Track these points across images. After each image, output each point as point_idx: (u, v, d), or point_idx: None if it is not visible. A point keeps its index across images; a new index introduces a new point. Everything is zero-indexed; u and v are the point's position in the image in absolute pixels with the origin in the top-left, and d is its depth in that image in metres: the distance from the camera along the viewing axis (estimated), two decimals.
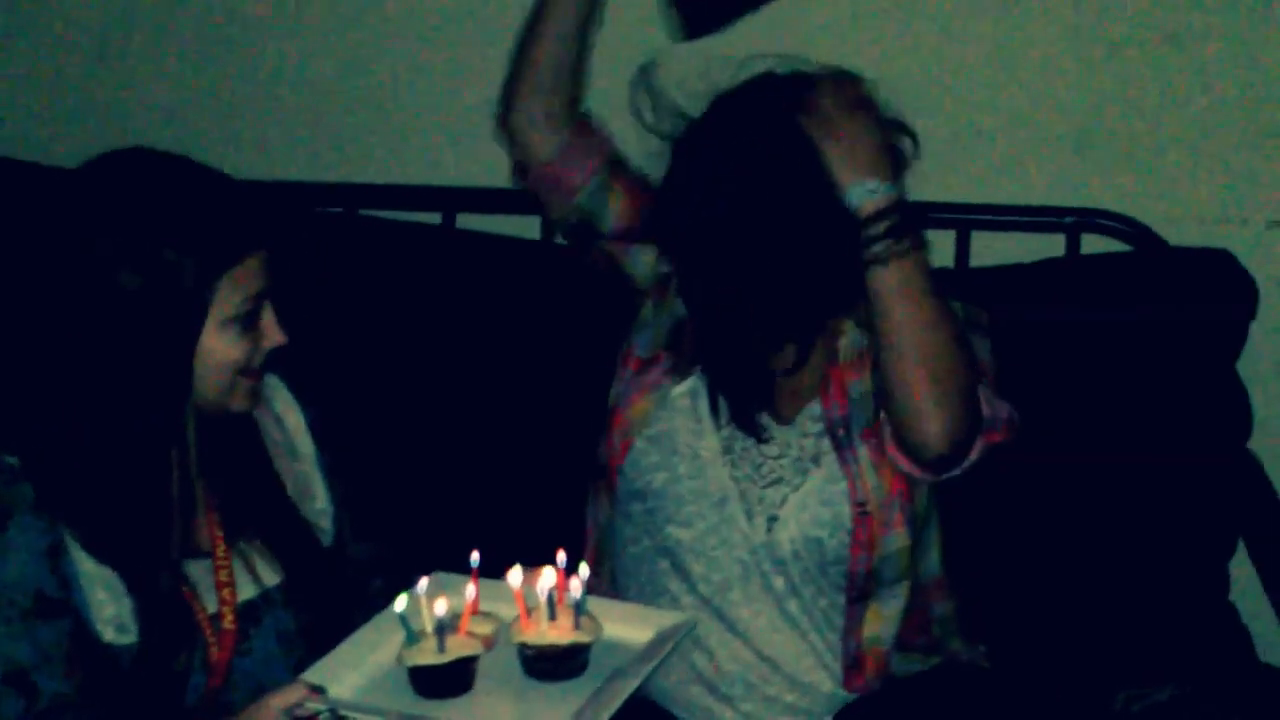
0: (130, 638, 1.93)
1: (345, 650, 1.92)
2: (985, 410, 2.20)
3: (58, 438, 1.95)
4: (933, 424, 2.15)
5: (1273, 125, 2.85)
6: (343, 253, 2.85)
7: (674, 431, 2.27)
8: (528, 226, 2.84)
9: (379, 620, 1.95)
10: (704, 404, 2.27)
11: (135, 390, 1.95)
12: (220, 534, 2.05)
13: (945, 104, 2.84)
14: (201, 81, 3.09)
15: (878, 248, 2.12)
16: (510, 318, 2.66)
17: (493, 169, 2.64)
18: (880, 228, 2.12)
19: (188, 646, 1.98)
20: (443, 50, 3.00)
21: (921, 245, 2.15)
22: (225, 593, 2.02)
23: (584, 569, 1.90)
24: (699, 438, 2.26)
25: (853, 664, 2.23)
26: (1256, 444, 2.71)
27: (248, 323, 1.97)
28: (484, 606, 1.92)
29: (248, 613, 2.03)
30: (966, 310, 2.27)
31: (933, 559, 2.27)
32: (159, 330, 1.93)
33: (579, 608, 1.88)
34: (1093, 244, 2.83)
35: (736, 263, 2.14)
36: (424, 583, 1.90)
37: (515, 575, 1.91)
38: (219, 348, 1.95)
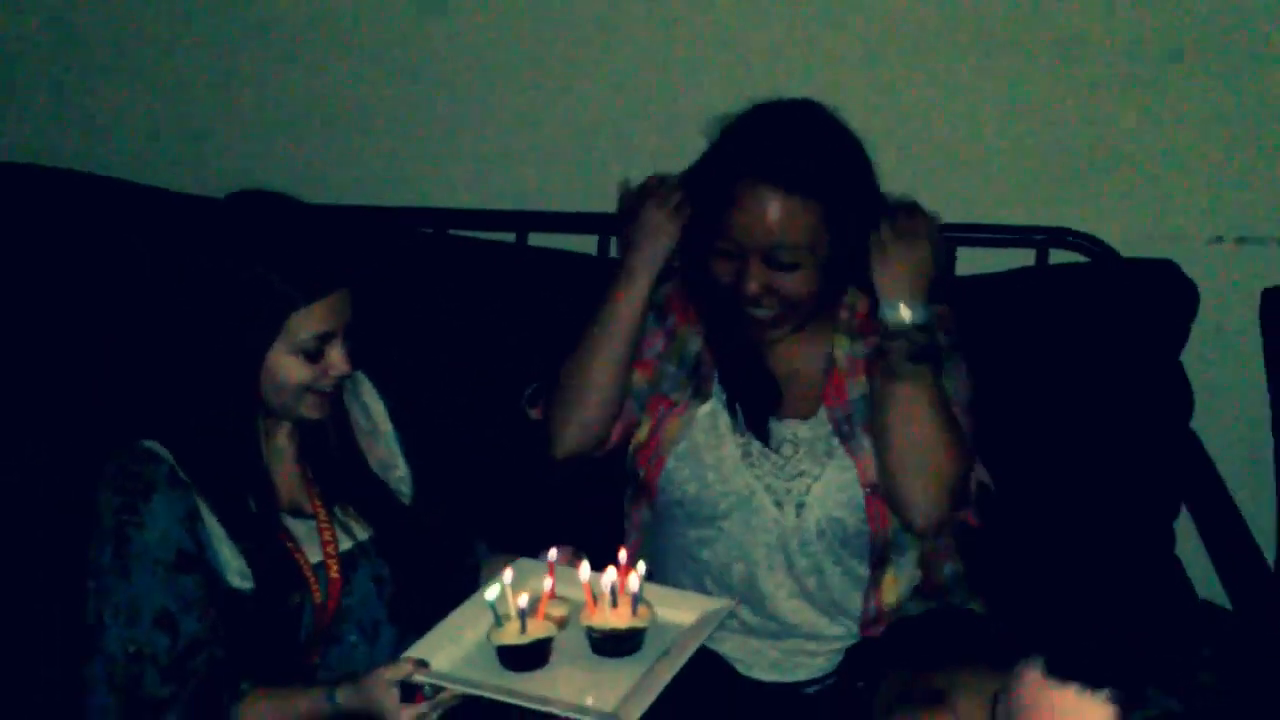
0: (250, 584, 2.02)
1: (441, 630, 1.97)
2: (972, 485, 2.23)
3: (178, 425, 2.03)
4: (918, 517, 2.22)
5: (1207, 158, 2.90)
6: (428, 266, 2.89)
7: (698, 446, 2.31)
8: (587, 244, 2.91)
9: (469, 605, 2.01)
10: (723, 419, 2.30)
11: (213, 391, 2.03)
12: (319, 501, 2.13)
13: (934, 136, 2.89)
14: (316, 118, 3.11)
15: (895, 360, 2.16)
16: (565, 323, 2.65)
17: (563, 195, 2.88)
18: (904, 344, 2.16)
19: (296, 588, 2.05)
20: (519, 92, 3.03)
21: (937, 370, 2.16)
22: (329, 547, 2.10)
23: (641, 566, 1.95)
24: (720, 447, 2.30)
25: (870, 622, 2.30)
26: (1197, 424, 2.76)
27: (315, 354, 2.02)
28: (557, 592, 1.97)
29: (347, 561, 2.11)
30: (947, 318, 2.31)
31: None
32: (231, 345, 2.00)
33: (636, 597, 1.93)
34: (1059, 257, 2.86)
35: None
36: (509, 574, 1.95)
37: (585, 569, 1.97)
38: (285, 370, 2.02)
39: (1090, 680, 1.42)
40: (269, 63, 3.07)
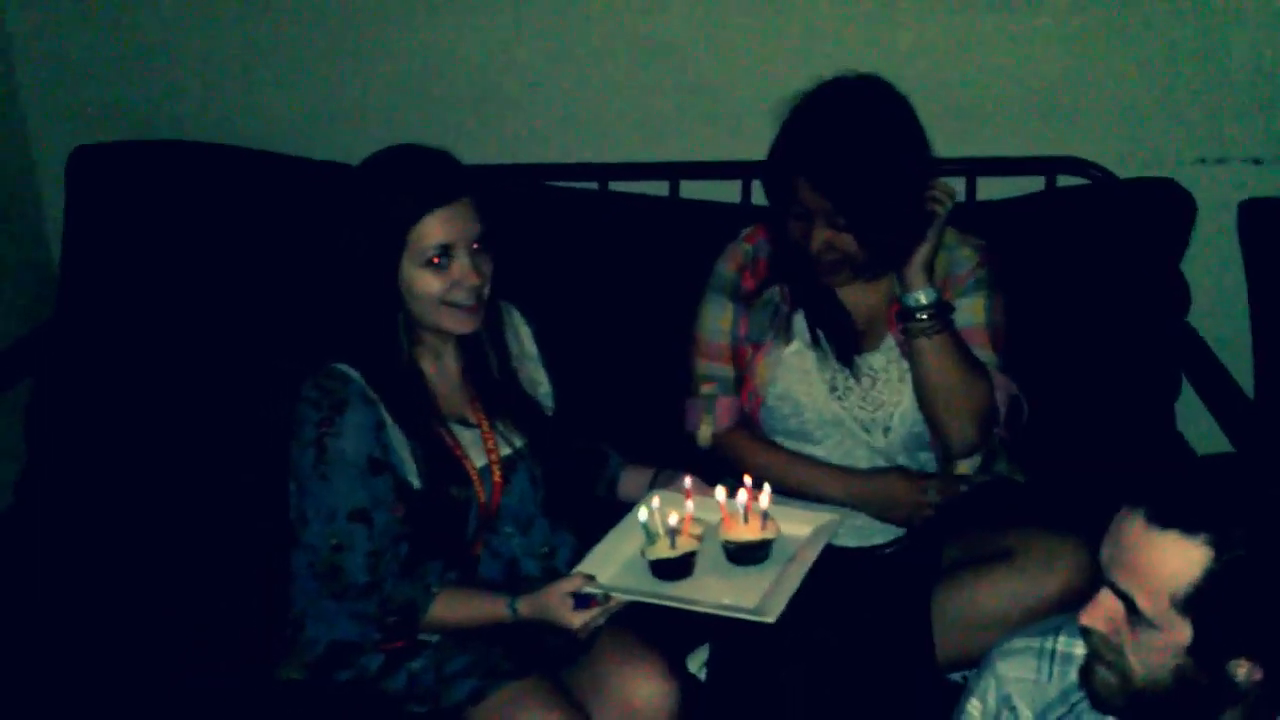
0: (421, 483, 2.14)
1: (602, 549, 2.11)
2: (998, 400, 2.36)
3: (358, 347, 2.14)
4: (954, 441, 2.38)
5: (1192, 90, 2.99)
6: (576, 214, 2.94)
7: (791, 384, 2.43)
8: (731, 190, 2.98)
9: (622, 525, 2.14)
10: (809, 357, 2.43)
11: (370, 312, 2.13)
12: (482, 413, 2.25)
13: (947, 79, 2.97)
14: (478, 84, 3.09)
15: (917, 329, 2.32)
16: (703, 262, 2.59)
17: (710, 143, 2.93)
18: (925, 316, 2.32)
19: (458, 483, 2.16)
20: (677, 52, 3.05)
21: (949, 326, 2.34)
22: (492, 454, 2.22)
23: (767, 487, 2.10)
24: (809, 384, 2.43)
25: None
26: (1194, 319, 2.91)
27: (441, 264, 2.11)
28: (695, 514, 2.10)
29: (507, 464, 2.23)
30: (981, 251, 2.42)
31: None
32: (370, 265, 2.11)
33: (764, 515, 2.09)
34: (1065, 182, 2.96)
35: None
36: (655, 499, 2.11)
37: (720, 491, 2.11)
38: (419, 283, 2.12)
39: (1189, 525, 1.54)
40: (427, 28, 3.07)
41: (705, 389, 2.49)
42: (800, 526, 2.17)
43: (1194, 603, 1.56)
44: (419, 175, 2.11)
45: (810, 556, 2.09)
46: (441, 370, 2.25)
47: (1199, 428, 2.86)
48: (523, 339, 2.38)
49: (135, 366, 2.90)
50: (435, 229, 2.10)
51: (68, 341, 2.95)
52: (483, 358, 2.27)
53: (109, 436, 2.88)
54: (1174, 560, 1.55)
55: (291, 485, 2.15)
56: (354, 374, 2.13)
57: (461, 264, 2.12)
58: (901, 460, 2.44)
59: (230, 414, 2.83)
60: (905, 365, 2.41)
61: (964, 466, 2.46)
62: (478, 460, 2.21)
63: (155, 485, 2.82)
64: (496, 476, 2.21)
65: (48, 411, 2.93)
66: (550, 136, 3.11)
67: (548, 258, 2.83)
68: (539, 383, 2.37)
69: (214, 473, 2.81)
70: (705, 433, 2.49)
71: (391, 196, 2.10)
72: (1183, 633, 1.57)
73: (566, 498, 2.31)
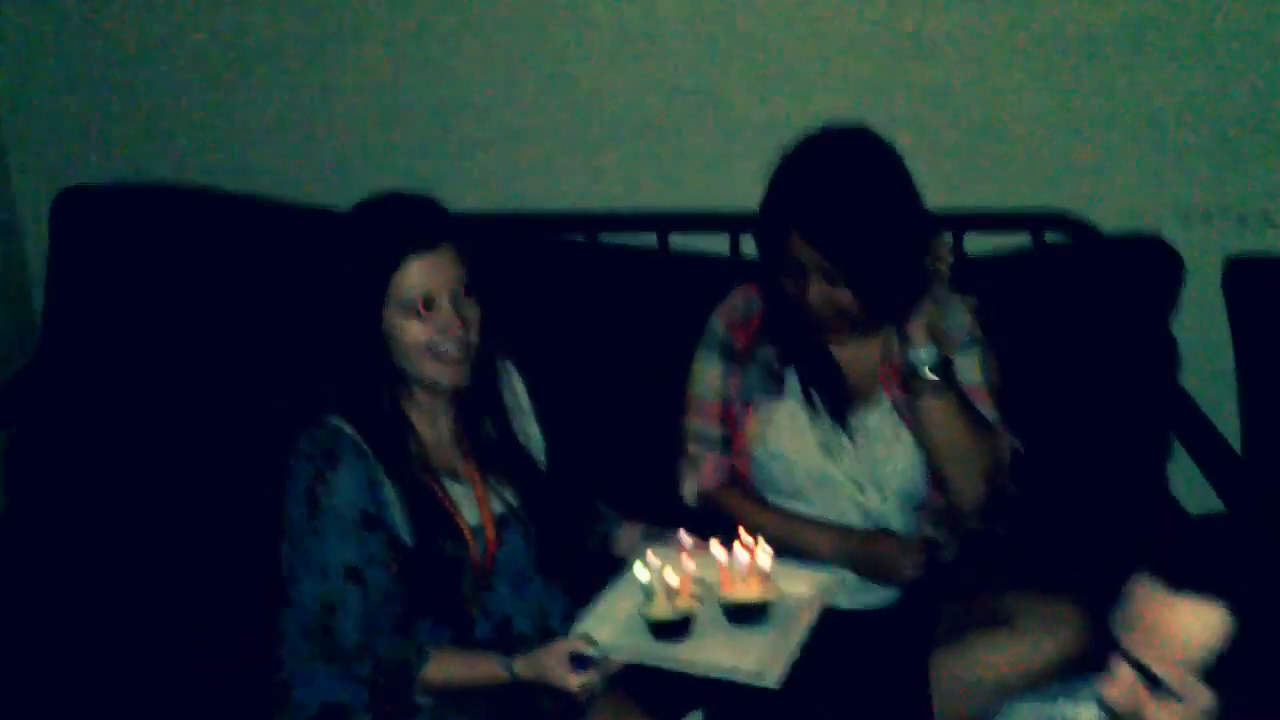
0: (413, 540, 2.10)
1: (599, 608, 2.09)
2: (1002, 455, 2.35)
3: (349, 400, 2.11)
4: (965, 499, 2.36)
5: (1178, 146, 3.01)
6: (574, 272, 2.94)
7: (783, 446, 2.40)
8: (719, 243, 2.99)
9: (621, 585, 2.12)
10: (800, 416, 2.40)
11: (358, 363, 2.10)
12: (475, 469, 2.21)
13: (941, 133, 2.99)
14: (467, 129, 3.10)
15: (920, 388, 2.30)
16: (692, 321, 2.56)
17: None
18: (926, 373, 2.29)
19: (452, 539, 2.12)
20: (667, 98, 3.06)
21: (952, 384, 2.31)
22: (485, 511, 2.18)
23: (765, 545, 2.07)
24: (800, 443, 2.40)
25: None
26: (1183, 380, 2.89)
27: (422, 311, 2.08)
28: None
29: (501, 521, 2.20)
30: (975, 310, 2.40)
31: None
32: (354, 313, 2.09)
33: (763, 574, 2.07)
34: (1051, 237, 2.97)
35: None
36: (653, 557, 2.07)
37: (717, 549, 2.09)
38: (402, 331, 2.09)
39: (1203, 588, 1.52)
40: (414, 72, 3.08)
41: (691, 447, 2.47)
42: (800, 585, 2.15)
43: (1213, 667, 1.54)
44: (400, 222, 2.09)
45: (810, 618, 2.07)
46: (434, 425, 2.22)
47: (1190, 487, 2.85)
48: (517, 393, 2.36)
49: (119, 413, 2.87)
50: (417, 276, 2.08)
51: (49, 388, 2.91)
52: (476, 413, 2.25)
53: (90, 484, 2.83)
54: (1190, 625, 1.54)
55: (284, 543, 2.12)
56: (346, 426, 2.10)
57: (445, 311, 2.10)
58: (896, 520, 2.42)
59: (216, 466, 2.80)
60: (901, 423, 2.39)
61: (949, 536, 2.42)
62: (471, 517, 2.18)
63: (138, 536, 2.76)
64: (490, 533, 2.19)
65: (28, 459, 2.89)
66: (538, 184, 3.10)
67: (536, 309, 2.82)
68: (531, 437, 2.35)
69: (200, 523, 2.77)
70: (689, 491, 2.48)
71: (373, 244, 2.08)
72: (1204, 697, 1.56)
73: (560, 555, 2.28)
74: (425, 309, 2.09)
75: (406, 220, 2.10)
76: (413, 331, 2.09)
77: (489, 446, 2.25)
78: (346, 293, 2.09)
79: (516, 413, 2.33)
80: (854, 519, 2.41)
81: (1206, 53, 2.96)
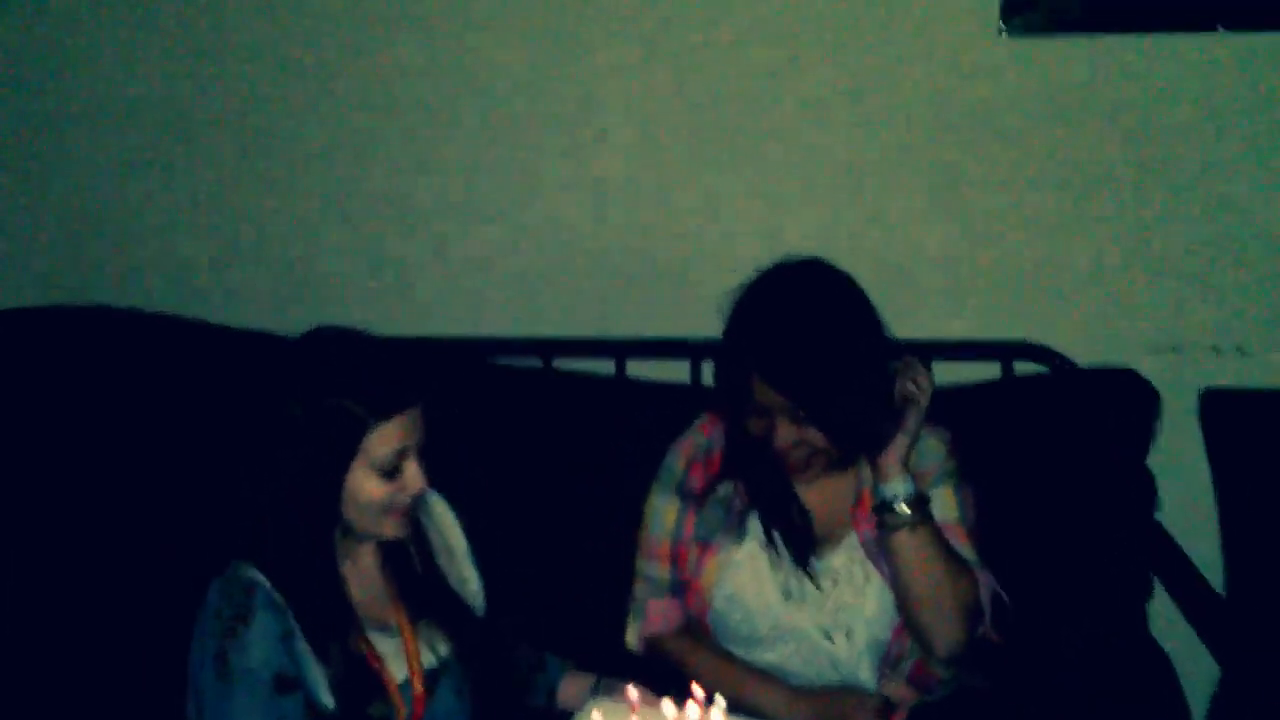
0: (334, 702, 1.99)
1: None
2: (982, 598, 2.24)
3: (270, 549, 2.00)
4: (939, 644, 2.24)
5: (1150, 277, 2.98)
6: (525, 399, 2.85)
7: (742, 591, 2.30)
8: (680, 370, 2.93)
9: None
10: (761, 560, 2.30)
11: (299, 516, 2.00)
12: (405, 617, 2.11)
13: (908, 262, 2.98)
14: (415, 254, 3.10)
15: (893, 523, 2.19)
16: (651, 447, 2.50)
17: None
18: (901, 508, 2.19)
19: (376, 699, 2.01)
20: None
21: (930, 519, 2.21)
22: (414, 664, 2.08)
23: (720, 700, 1.89)
24: (761, 589, 2.30)
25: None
26: (1162, 516, 2.80)
27: (392, 471, 2.01)
28: None
29: (431, 676, 2.09)
30: (949, 443, 2.32)
31: None
32: (314, 470, 1.98)
33: None
34: (1021, 368, 2.93)
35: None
36: (597, 713, 1.92)
37: (669, 707, 1.90)
38: (366, 489, 2.01)
39: None
40: (366, 199, 3.09)
41: (638, 590, 2.37)
42: None
43: None
44: (372, 383, 2.00)
45: None
46: (358, 572, 2.11)
47: (1168, 625, 2.74)
48: (447, 532, 2.24)
49: (42, 548, 2.73)
50: (391, 438, 2.00)
51: None
52: (404, 555, 2.14)
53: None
54: None
55: (191, 704, 1.99)
56: (260, 578, 1.99)
57: (412, 470, 2.03)
58: (864, 670, 2.29)
59: (133, 616, 2.64)
60: (869, 565, 2.28)
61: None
62: (398, 673, 2.06)
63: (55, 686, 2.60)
64: (418, 689, 2.07)
65: None
66: (493, 309, 3.08)
67: (485, 441, 2.72)
68: (467, 580, 2.23)
69: (116, 676, 2.59)
70: (632, 637, 2.37)
71: (340, 405, 1.98)
72: None
73: (498, 708, 2.15)
74: (395, 468, 2.02)
75: (379, 382, 2.01)
76: (377, 490, 2.01)
77: (419, 590, 2.15)
78: (308, 449, 1.98)
79: (450, 554, 2.23)
80: (822, 669, 2.30)
81: (1176, 185, 2.94)
